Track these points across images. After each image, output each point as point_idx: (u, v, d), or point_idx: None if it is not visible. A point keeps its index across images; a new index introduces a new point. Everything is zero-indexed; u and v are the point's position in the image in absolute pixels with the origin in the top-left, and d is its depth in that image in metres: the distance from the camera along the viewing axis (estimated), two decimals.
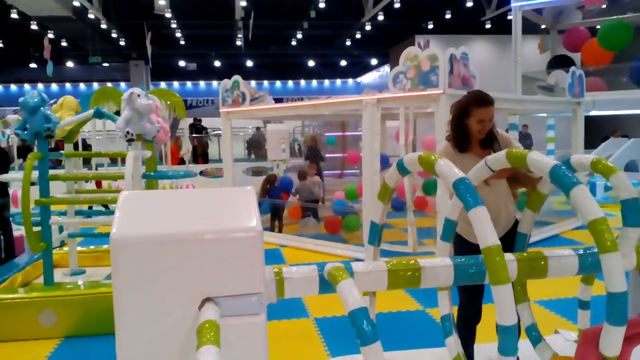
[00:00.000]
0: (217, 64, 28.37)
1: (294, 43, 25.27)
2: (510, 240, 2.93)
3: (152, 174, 5.23)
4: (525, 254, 2.29)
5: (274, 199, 8.51)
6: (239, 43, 23.36)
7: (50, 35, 20.12)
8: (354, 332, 1.74)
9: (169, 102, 7.59)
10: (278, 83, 32.75)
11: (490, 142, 2.94)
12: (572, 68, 8.27)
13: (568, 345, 3.50)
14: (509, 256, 2.15)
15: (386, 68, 24.27)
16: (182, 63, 28.55)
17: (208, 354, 1.52)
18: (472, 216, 1.94)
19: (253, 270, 1.86)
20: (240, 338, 1.87)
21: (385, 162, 7.96)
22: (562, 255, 2.29)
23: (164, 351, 1.84)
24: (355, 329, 1.76)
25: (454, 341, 2.78)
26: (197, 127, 18.20)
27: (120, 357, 1.76)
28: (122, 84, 28.28)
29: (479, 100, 2.87)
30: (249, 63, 28.21)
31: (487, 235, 1.94)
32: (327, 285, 2.16)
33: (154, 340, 1.81)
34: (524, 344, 2.91)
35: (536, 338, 2.80)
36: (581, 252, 2.30)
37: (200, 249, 1.84)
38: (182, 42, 24.90)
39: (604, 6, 13.05)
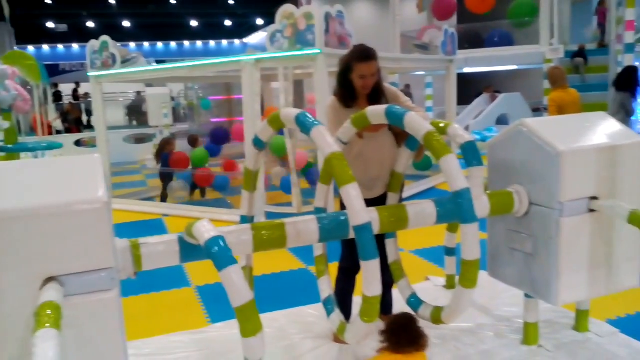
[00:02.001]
0: (90, 24, 26.35)
1: (173, 2, 24.06)
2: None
3: (9, 146, 4.76)
4: (387, 208, 2.36)
5: (165, 167, 8.02)
6: (112, 1, 21.81)
7: None
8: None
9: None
10: (160, 44, 31.13)
11: (376, 97, 2.92)
12: (445, 26, 8.59)
13: (437, 290, 3.72)
14: (370, 210, 2.18)
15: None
16: (50, 24, 26.20)
17: (45, 337, 1.40)
18: (313, 136, 2.00)
19: (100, 244, 1.74)
20: (90, 317, 1.76)
21: None
22: (420, 204, 2.39)
23: (4, 337, 1.68)
24: (211, 258, 1.76)
25: (337, 317, 2.82)
26: (55, 94, 16.84)
27: None
28: None
29: (360, 55, 2.83)
30: (126, 23, 26.50)
31: (328, 145, 1.97)
32: (189, 253, 2.08)
33: None
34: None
35: (416, 303, 2.89)
36: (439, 200, 2.41)
37: (39, 226, 1.68)
38: (49, 1, 22.80)
39: None
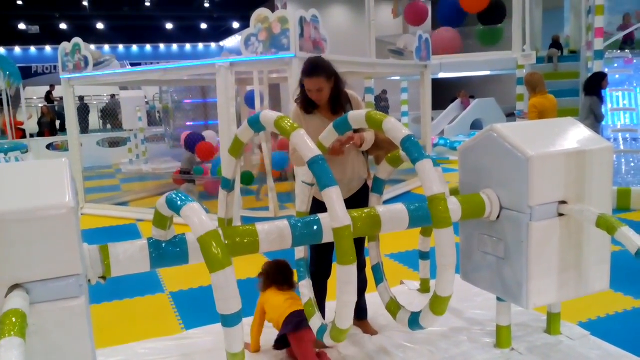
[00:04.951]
0: (63, 26, 25.93)
1: (148, 4, 23.82)
2: (359, 199, 3.02)
3: None
4: (359, 211, 2.36)
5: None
6: (85, 3, 21.51)
7: None
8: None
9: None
10: (135, 47, 30.79)
11: (336, 106, 2.94)
12: (419, 32, 8.68)
13: (411, 294, 3.74)
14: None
15: None
16: (22, 26, 25.73)
17: (9, 346, 1.37)
18: (325, 195, 1.93)
19: (67, 251, 1.71)
20: (58, 325, 1.72)
21: None
22: (393, 208, 2.40)
23: None
24: (171, 205, 1.86)
25: (307, 285, 2.86)
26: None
27: None
28: None
29: (304, 71, 2.89)
30: (100, 25, 26.17)
31: (338, 214, 1.91)
32: (160, 259, 2.06)
33: None
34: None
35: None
36: (411, 206, 2.42)
37: (3, 232, 1.64)
38: (20, 2, 22.36)
39: None
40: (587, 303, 3.13)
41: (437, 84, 12.09)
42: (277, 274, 3.02)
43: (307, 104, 2.95)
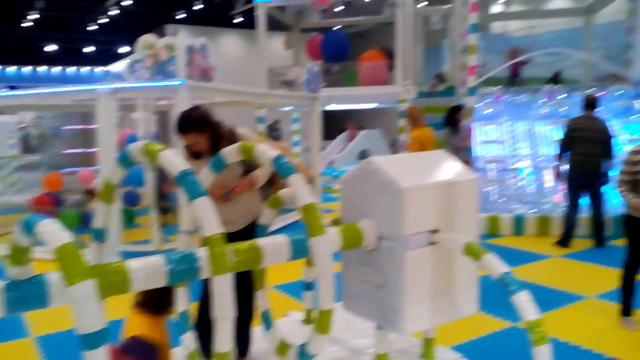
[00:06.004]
0: None
1: (28, 24, 22.38)
2: (246, 234, 2.96)
3: None
4: (241, 244, 2.32)
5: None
6: None
7: None
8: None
9: None
10: (11, 68, 28.65)
11: (218, 150, 2.89)
12: (309, 65, 8.90)
13: (295, 325, 3.73)
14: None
15: None
16: None
17: None
18: (196, 207, 1.90)
19: None
20: None
21: None
22: (275, 240, 2.39)
23: None
24: (22, 224, 1.72)
25: (189, 336, 2.73)
26: None
27: None
28: None
29: (176, 128, 2.88)
30: None
31: (209, 223, 1.89)
32: (16, 303, 1.86)
33: None
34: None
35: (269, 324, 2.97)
36: (292, 237, 2.43)
37: None
38: None
39: (341, 7, 14.18)
40: (460, 327, 3.30)
41: (330, 115, 12.42)
42: (153, 295, 2.67)
43: (191, 152, 2.95)
